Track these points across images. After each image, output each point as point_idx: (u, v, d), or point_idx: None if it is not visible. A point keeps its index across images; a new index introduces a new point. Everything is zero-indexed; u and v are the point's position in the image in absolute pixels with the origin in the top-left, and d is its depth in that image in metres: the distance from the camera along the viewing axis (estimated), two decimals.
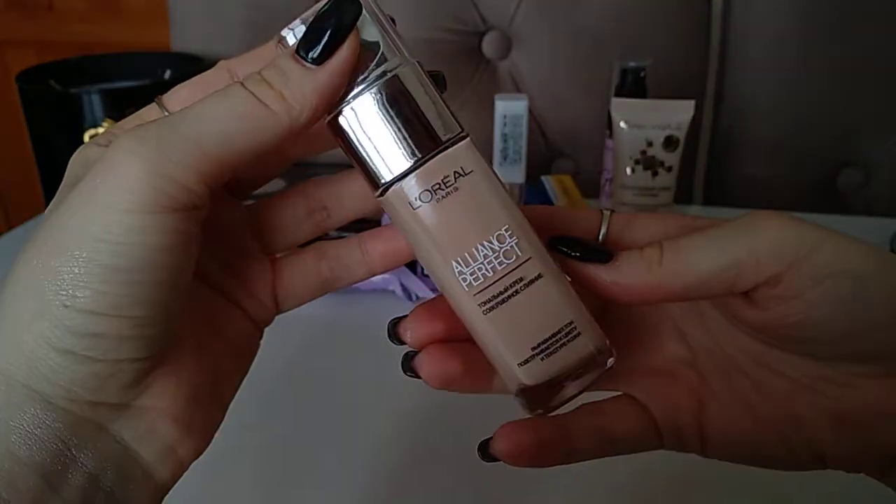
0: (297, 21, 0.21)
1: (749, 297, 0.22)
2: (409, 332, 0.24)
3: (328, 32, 0.20)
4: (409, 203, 0.22)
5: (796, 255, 0.21)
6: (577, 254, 0.23)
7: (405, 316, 0.24)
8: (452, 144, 0.22)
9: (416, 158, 0.21)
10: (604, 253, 0.23)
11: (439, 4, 0.88)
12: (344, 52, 0.20)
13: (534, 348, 0.22)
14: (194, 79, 0.24)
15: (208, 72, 0.24)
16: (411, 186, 0.21)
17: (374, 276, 0.27)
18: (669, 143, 0.70)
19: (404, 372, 0.24)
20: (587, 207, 0.28)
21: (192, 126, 0.20)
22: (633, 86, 0.75)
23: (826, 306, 0.21)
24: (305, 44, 0.20)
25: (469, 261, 0.22)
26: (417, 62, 0.22)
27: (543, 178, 0.82)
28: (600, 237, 0.25)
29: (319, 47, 0.20)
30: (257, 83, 0.20)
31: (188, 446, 0.23)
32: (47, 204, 1.00)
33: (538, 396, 0.24)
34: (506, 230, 0.22)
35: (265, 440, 0.48)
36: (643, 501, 0.44)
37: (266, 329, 0.27)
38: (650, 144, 0.70)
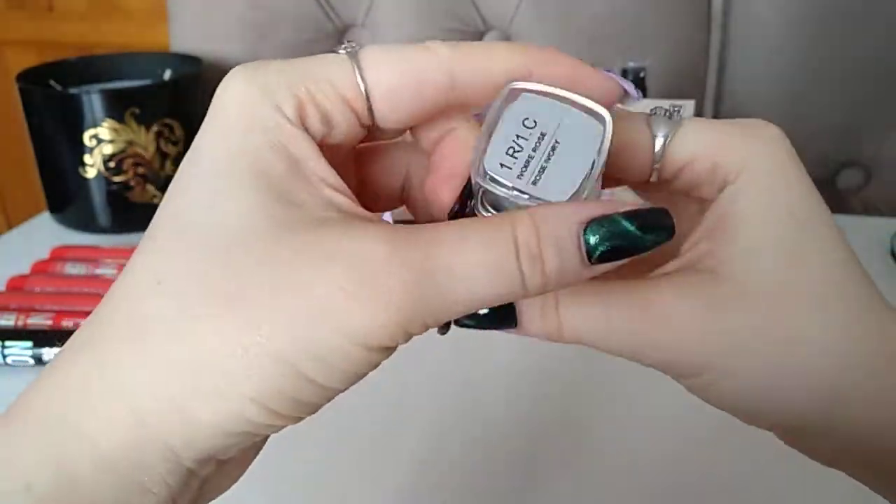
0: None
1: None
2: None
3: (626, 249, 0.19)
4: None
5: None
6: None
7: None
8: None
9: None
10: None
11: (439, 4, 0.88)
12: (620, 263, 0.19)
13: None
14: (399, 51, 0.20)
15: (415, 49, 0.20)
16: None
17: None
18: None
19: None
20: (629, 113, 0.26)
21: (447, 281, 0.18)
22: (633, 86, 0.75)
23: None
24: (600, 247, 0.18)
25: None
26: None
27: None
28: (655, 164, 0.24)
29: (608, 255, 0.19)
30: (529, 250, 0.18)
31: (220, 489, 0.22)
32: (48, 204, 0.98)
33: None
34: None
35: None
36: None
37: None
38: None
